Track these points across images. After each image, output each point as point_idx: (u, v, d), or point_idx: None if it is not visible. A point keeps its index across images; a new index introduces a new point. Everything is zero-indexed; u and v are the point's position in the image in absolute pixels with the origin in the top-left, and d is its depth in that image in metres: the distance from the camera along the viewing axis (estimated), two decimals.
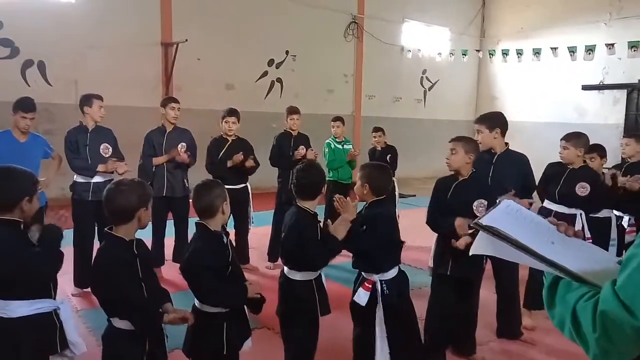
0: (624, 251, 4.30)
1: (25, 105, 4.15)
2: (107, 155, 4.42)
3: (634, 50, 9.53)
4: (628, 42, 9.62)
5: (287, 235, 2.77)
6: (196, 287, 2.33)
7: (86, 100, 4.38)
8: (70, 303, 4.08)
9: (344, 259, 4.77)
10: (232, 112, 5.04)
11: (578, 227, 3.66)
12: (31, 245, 2.12)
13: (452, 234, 3.00)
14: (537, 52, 11.06)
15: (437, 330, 3.16)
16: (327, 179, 4.81)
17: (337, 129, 6.12)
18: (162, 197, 4.74)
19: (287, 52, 10.98)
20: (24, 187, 2.17)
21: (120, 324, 2.10)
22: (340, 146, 6.10)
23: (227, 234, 2.46)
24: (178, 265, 4.94)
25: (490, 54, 12.48)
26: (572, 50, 10.25)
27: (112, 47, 8.67)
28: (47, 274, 2.17)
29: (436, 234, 3.28)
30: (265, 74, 10.77)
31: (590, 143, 4.45)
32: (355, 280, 2.95)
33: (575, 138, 3.88)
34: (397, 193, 6.06)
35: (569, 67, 11.48)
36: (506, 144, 3.66)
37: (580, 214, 3.81)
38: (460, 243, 2.94)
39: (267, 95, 10.85)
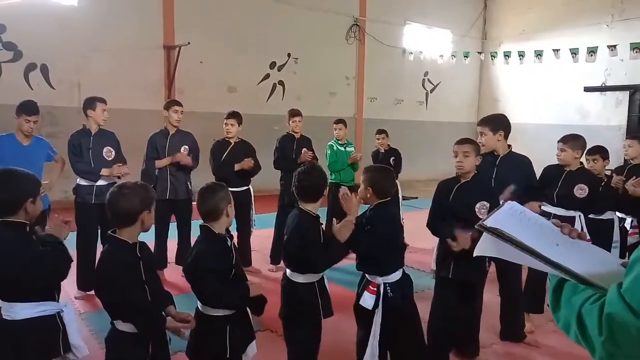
0: (626, 253, 4.30)
1: (28, 108, 4.16)
2: (109, 159, 4.43)
3: (636, 52, 9.52)
4: (630, 43, 9.61)
5: (290, 237, 2.77)
6: (200, 289, 2.33)
7: (89, 103, 4.39)
8: (73, 306, 4.08)
9: (347, 261, 4.75)
10: (230, 115, 5.06)
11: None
12: (37, 247, 2.12)
13: (453, 239, 3.00)
14: (539, 54, 11.05)
15: (440, 332, 3.15)
16: (329, 181, 4.81)
17: (339, 132, 6.12)
18: (165, 199, 4.74)
19: (289, 55, 11.01)
20: (26, 188, 2.18)
21: (123, 326, 2.10)
22: (342, 148, 6.11)
23: (231, 237, 2.46)
24: (181, 267, 4.99)
25: (492, 56, 12.47)
26: (574, 52, 10.24)
27: (114, 50, 8.71)
28: (54, 276, 2.17)
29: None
30: (267, 76, 10.79)
31: (593, 145, 4.45)
32: (359, 282, 2.95)
33: (572, 140, 3.87)
34: (400, 196, 6.06)
35: (571, 69, 11.47)
36: (509, 146, 3.66)
37: (579, 216, 3.80)
38: (457, 246, 2.93)
39: (269, 97, 10.87)
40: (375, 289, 2.74)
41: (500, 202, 2.25)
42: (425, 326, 3.12)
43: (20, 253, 2.05)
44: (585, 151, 4.34)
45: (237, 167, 4.91)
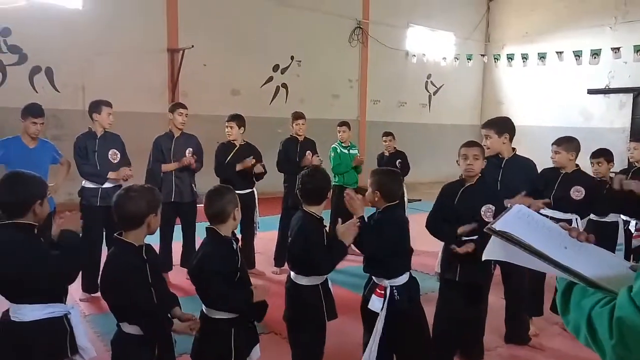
0: (631, 256, 4.29)
1: (34, 110, 4.19)
2: (115, 161, 4.45)
3: None
4: (634, 46, 9.61)
5: (294, 240, 2.78)
6: (205, 291, 2.34)
7: (95, 106, 4.41)
8: (78, 308, 4.10)
9: (351, 263, 4.77)
10: (230, 117, 5.08)
11: None
12: (47, 249, 2.14)
13: (452, 240, 3.01)
14: (542, 57, 11.05)
15: (445, 335, 3.15)
16: (332, 183, 4.82)
17: (343, 134, 6.14)
18: (170, 202, 4.76)
19: (292, 58, 11.03)
20: (35, 190, 2.20)
21: (129, 329, 2.11)
22: (346, 151, 6.12)
23: (237, 240, 2.47)
24: (185, 270, 5.00)
25: (495, 58, 12.49)
26: (577, 55, 10.24)
27: (119, 54, 8.75)
28: (61, 278, 2.19)
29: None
30: (270, 79, 10.81)
31: (597, 147, 4.44)
32: (365, 285, 2.95)
33: (566, 142, 3.86)
34: (406, 199, 6.07)
35: (574, 71, 11.46)
36: (513, 149, 3.66)
37: (576, 219, 3.79)
38: (462, 249, 2.94)
39: (272, 100, 10.89)
40: (382, 291, 2.74)
41: (508, 205, 2.25)
42: (430, 329, 3.12)
43: (29, 255, 2.07)
44: (590, 154, 4.34)
45: (238, 167, 4.91)
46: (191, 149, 4.90)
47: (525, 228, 1.21)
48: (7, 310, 2.16)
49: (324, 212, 2.85)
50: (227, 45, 9.97)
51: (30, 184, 2.21)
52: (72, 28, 8.32)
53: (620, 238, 4.22)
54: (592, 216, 4.33)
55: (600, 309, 1.04)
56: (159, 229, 2.34)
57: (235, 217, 2.42)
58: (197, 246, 4.92)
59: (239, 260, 2.42)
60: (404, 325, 2.74)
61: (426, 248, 4.84)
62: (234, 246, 2.43)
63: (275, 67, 10.86)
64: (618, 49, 9.94)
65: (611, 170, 4.33)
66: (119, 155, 4.48)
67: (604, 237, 3.80)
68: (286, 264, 3.88)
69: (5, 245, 2.07)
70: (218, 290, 2.30)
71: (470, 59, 12.52)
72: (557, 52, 10.75)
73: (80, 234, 2.34)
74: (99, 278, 2.17)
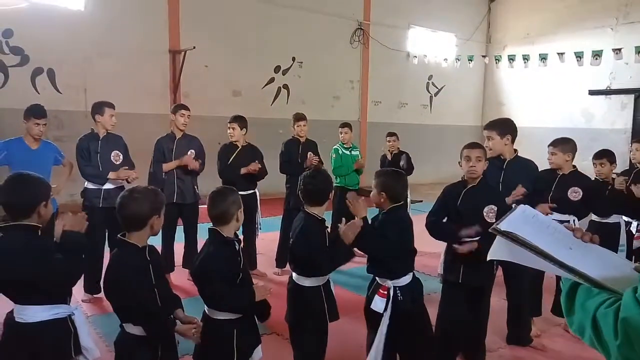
0: (632, 257, 4.29)
1: (37, 111, 4.21)
2: (117, 163, 4.46)
3: None
4: (635, 47, 9.60)
5: (296, 241, 2.78)
6: (207, 292, 2.34)
7: (98, 108, 4.42)
8: (80, 309, 4.11)
9: (352, 264, 4.76)
10: (232, 118, 5.08)
11: None
12: (51, 250, 2.15)
13: (453, 240, 3.01)
14: (543, 58, 11.06)
15: (447, 336, 3.15)
16: (334, 184, 4.82)
17: (345, 135, 6.15)
18: (172, 203, 4.76)
19: (293, 59, 11.04)
20: (40, 192, 2.22)
21: (133, 329, 2.11)
22: (347, 152, 6.13)
23: (240, 241, 2.48)
24: (187, 271, 5.01)
25: (496, 59, 12.49)
26: (578, 56, 10.24)
27: (120, 55, 8.77)
28: (66, 280, 2.20)
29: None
30: (271, 80, 10.83)
31: (598, 148, 4.44)
32: (369, 285, 2.95)
33: (562, 143, 3.87)
34: (409, 199, 6.08)
35: (575, 72, 11.46)
36: (515, 150, 3.66)
37: (574, 221, 3.79)
38: (463, 249, 2.94)
39: (273, 101, 10.90)
40: (385, 292, 2.75)
41: (513, 206, 2.25)
42: (432, 330, 3.12)
43: (34, 256, 2.07)
44: (593, 155, 4.34)
45: (243, 170, 4.93)
46: (193, 151, 4.91)
47: (530, 228, 1.22)
48: (12, 312, 2.16)
49: (325, 213, 2.86)
50: (228, 47, 9.98)
51: (35, 185, 2.22)
52: (74, 29, 8.34)
53: (622, 239, 4.22)
54: (593, 217, 4.33)
55: (605, 309, 1.04)
56: (160, 229, 2.34)
57: (239, 218, 2.43)
58: (199, 247, 4.96)
59: (241, 262, 2.43)
60: (407, 326, 2.74)
61: (429, 249, 4.84)
62: (237, 247, 2.44)
63: (277, 69, 10.87)
64: (619, 50, 9.95)
65: (613, 171, 4.33)
66: (121, 157, 4.49)
67: (605, 238, 3.74)
68: (288, 265, 3.89)
69: (11, 247, 2.08)
70: (220, 291, 2.30)
71: (471, 60, 12.53)
72: (558, 53, 10.75)
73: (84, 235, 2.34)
74: (103, 279, 2.17)
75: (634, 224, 4.48)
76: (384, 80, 12.60)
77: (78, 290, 4.41)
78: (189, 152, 4.86)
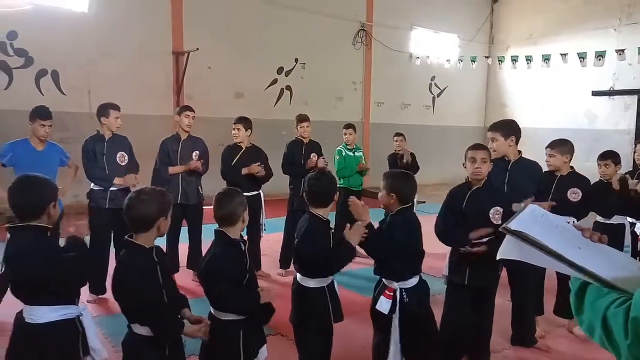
0: (637, 258, 4.29)
1: (42, 113, 4.22)
2: (123, 164, 4.47)
3: None
4: (638, 47, 9.58)
5: (300, 242, 2.79)
6: (214, 293, 2.35)
7: (103, 110, 4.44)
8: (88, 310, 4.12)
9: (357, 265, 4.78)
10: (237, 119, 5.10)
11: None
12: (61, 251, 2.16)
13: (465, 245, 3.01)
14: (546, 59, 11.05)
15: (452, 338, 3.15)
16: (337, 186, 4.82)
17: (349, 136, 6.15)
18: (177, 204, 4.77)
19: (296, 60, 11.06)
20: (48, 193, 2.24)
21: (140, 330, 2.13)
22: (351, 153, 6.14)
23: (245, 242, 2.49)
24: (191, 272, 5.03)
25: (499, 60, 12.47)
26: (582, 56, 10.22)
27: (124, 57, 8.80)
28: (75, 281, 2.21)
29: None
30: (274, 81, 10.84)
31: (601, 149, 4.44)
32: (375, 286, 2.96)
33: (560, 145, 3.87)
34: (415, 200, 6.09)
35: (578, 73, 11.44)
36: (519, 151, 3.67)
37: (572, 221, 3.79)
38: (478, 250, 2.94)
39: (276, 102, 10.92)
40: (391, 293, 2.75)
41: (522, 205, 2.24)
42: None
43: (44, 257, 2.09)
44: (597, 156, 4.34)
45: (244, 171, 4.92)
46: (198, 152, 4.93)
47: (540, 228, 1.23)
48: (21, 312, 2.18)
49: (330, 214, 2.87)
50: (231, 48, 10.01)
51: (43, 187, 2.25)
52: (78, 31, 8.37)
53: (627, 240, 4.22)
54: (598, 218, 4.34)
55: (615, 309, 1.05)
56: None
57: (244, 219, 2.45)
58: (203, 248, 4.97)
59: (247, 263, 2.44)
60: (413, 328, 2.75)
61: (433, 250, 4.85)
62: (243, 248, 2.45)
63: (280, 70, 10.89)
64: (622, 50, 9.94)
65: (618, 172, 4.33)
66: (127, 158, 4.50)
67: (610, 239, 3.77)
68: (292, 265, 3.90)
69: (22, 248, 2.10)
70: (227, 293, 2.31)
71: (474, 61, 12.52)
72: (561, 54, 10.74)
73: (88, 238, 2.36)
74: (111, 280, 2.18)
75: (639, 224, 4.48)
76: (387, 81, 12.61)
77: (83, 290, 4.38)
78: (193, 154, 4.88)
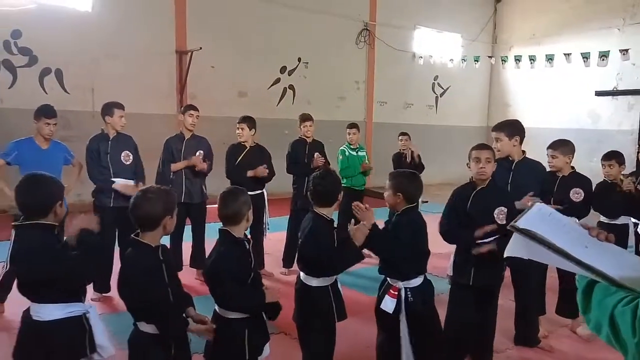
0: None
1: (47, 111, 4.24)
2: (127, 163, 4.49)
3: None
4: None
5: (304, 241, 2.80)
6: (219, 292, 2.37)
7: (107, 109, 4.45)
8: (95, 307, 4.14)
9: (360, 265, 4.76)
10: (242, 119, 5.11)
11: None
12: (68, 249, 2.18)
13: (470, 244, 3.01)
14: (550, 58, 11.02)
15: (456, 338, 3.15)
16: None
17: (353, 136, 6.15)
18: (180, 203, 4.78)
19: (299, 59, 11.07)
20: (55, 191, 2.26)
21: (146, 328, 2.14)
22: (354, 153, 6.14)
23: (249, 241, 2.50)
24: (195, 270, 5.04)
25: (502, 60, 12.45)
26: (585, 56, 10.20)
27: (128, 56, 8.81)
28: (86, 277, 2.23)
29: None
30: (277, 81, 10.85)
31: (604, 149, 4.43)
32: (380, 285, 2.96)
33: (562, 146, 3.88)
34: (420, 200, 6.09)
35: (582, 73, 11.42)
36: (523, 151, 3.67)
37: (575, 222, 3.78)
38: (484, 249, 2.94)
39: (279, 102, 10.93)
40: (396, 293, 2.76)
41: (527, 203, 2.26)
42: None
43: (51, 255, 2.11)
44: (601, 156, 4.34)
45: (250, 173, 4.93)
46: (202, 151, 4.94)
47: (547, 226, 1.24)
48: (28, 310, 2.19)
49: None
50: (234, 47, 10.02)
51: (51, 185, 2.26)
52: (82, 30, 8.39)
53: (631, 240, 4.22)
54: (602, 218, 4.34)
55: (623, 307, 1.05)
56: None
57: (249, 218, 2.46)
58: (207, 246, 4.99)
59: (252, 261, 2.45)
60: (417, 328, 2.75)
61: (438, 250, 4.86)
62: (247, 247, 2.46)
63: (283, 69, 10.90)
64: (626, 50, 9.91)
65: (622, 172, 4.32)
66: (131, 157, 4.52)
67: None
68: (295, 265, 3.90)
69: (29, 246, 2.12)
70: (232, 292, 2.33)
71: (477, 61, 12.50)
72: (565, 54, 10.72)
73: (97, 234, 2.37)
74: (117, 279, 2.19)
75: None
76: (390, 80, 12.60)
77: (88, 289, 4.44)
78: (197, 153, 4.90)
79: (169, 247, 4.73)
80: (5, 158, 4.19)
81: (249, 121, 5.07)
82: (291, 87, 11.04)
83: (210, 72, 9.75)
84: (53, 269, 2.08)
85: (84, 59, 8.47)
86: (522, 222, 1.25)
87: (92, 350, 2.21)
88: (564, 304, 4.01)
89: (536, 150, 4.31)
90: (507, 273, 3.57)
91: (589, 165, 6.85)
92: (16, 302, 3.75)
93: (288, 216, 5.57)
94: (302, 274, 2.85)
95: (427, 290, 2.85)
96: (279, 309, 2.48)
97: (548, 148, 3.92)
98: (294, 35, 10.82)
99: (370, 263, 5.24)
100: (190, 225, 5.11)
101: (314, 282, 2.78)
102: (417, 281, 2.80)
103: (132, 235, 2.20)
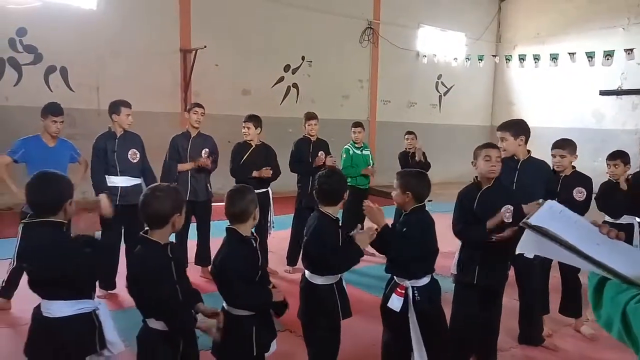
0: None
1: (54, 109, 4.26)
2: (134, 161, 4.51)
3: None
4: None
5: (309, 239, 2.81)
6: (227, 290, 2.38)
7: (114, 107, 4.47)
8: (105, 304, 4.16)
9: (364, 264, 4.80)
10: (246, 118, 5.11)
11: None
12: (78, 246, 2.20)
13: (486, 238, 3.03)
14: (554, 58, 11.01)
15: (461, 337, 3.16)
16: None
17: (358, 135, 6.15)
18: (186, 201, 4.80)
19: (303, 58, 11.08)
20: (66, 190, 2.28)
21: (155, 324, 2.16)
22: (359, 151, 6.14)
23: (257, 239, 2.51)
24: (200, 268, 5.06)
25: (506, 59, 12.43)
26: (590, 56, 10.18)
27: (132, 54, 8.84)
28: (96, 274, 2.25)
29: (459, 241, 3.29)
30: (281, 79, 10.87)
31: (608, 149, 4.43)
32: (386, 284, 2.97)
33: (570, 145, 3.89)
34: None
35: (586, 73, 11.39)
36: (528, 151, 3.67)
37: (585, 220, 3.78)
38: (504, 235, 2.95)
39: (283, 100, 10.94)
40: (403, 291, 2.77)
41: (540, 201, 2.27)
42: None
43: (61, 252, 2.13)
44: (606, 156, 4.34)
45: (255, 174, 4.92)
46: (207, 150, 4.96)
47: (559, 224, 1.25)
48: (39, 306, 2.22)
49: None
50: (238, 46, 10.04)
51: (62, 183, 2.29)
52: (87, 28, 8.42)
53: (636, 240, 4.22)
54: (607, 218, 4.33)
55: (635, 304, 1.07)
56: None
57: (256, 217, 2.47)
58: (211, 244, 5.00)
59: (259, 259, 2.47)
60: (423, 327, 2.76)
61: (442, 249, 4.87)
62: (255, 245, 2.47)
63: (286, 68, 10.91)
64: (631, 50, 9.89)
65: (627, 172, 4.32)
66: (138, 155, 4.54)
67: None
68: (300, 263, 3.91)
69: (40, 243, 2.14)
70: (240, 290, 2.34)
71: (481, 60, 12.48)
72: (569, 53, 10.70)
73: (99, 234, 2.39)
74: (126, 276, 2.21)
75: None
76: (393, 79, 12.60)
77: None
78: (203, 152, 4.91)
79: None
80: (13, 156, 4.21)
81: (255, 120, 5.08)
82: (295, 85, 11.06)
83: (214, 70, 9.77)
84: (64, 266, 2.10)
85: (89, 57, 8.50)
86: (534, 219, 1.26)
87: (102, 346, 2.23)
88: (567, 303, 4.03)
89: (540, 149, 4.30)
90: (511, 272, 3.58)
91: (592, 165, 6.85)
92: (23, 299, 3.80)
93: (292, 214, 5.58)
94: (307, 272, 2.86)
95: (433, 289, 2.86)
96: (286, 306, 2.50)
97: (556, 148, 3.92)
98: (298, 34, 10.83)
99: (374, 261, 5.27)
100: (196, 223, 5.12)
101: (319, 280, 2.79)
102: (424, 280, 2.81)
103: (141, 233, 2.22)
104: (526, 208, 3.07)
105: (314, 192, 2.89)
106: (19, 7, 7.77)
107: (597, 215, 4.14)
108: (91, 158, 4.50)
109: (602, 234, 1.25)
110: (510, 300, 3.86)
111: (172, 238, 4.74)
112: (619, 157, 4.27)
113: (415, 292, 2.76)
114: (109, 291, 4.49)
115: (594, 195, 3.97)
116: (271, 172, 4.98)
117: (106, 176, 4.48)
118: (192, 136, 4.97)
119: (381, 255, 3.25)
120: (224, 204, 2.47)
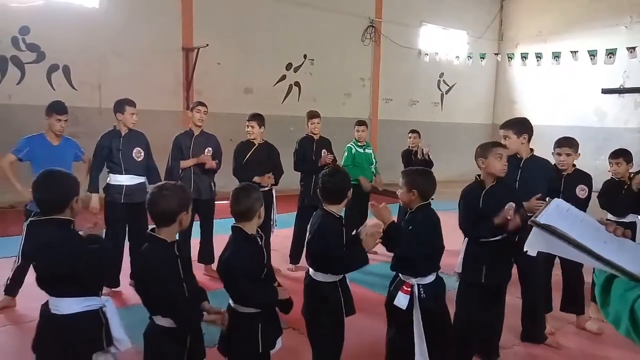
0: None
1: (58, 108, 4.28)
2: (139, 159, 4.52)
3: None
4: None
5: (313, 237, 2.81)
6: (233, 288, 2.40)
7: (119, 106, 4.48)
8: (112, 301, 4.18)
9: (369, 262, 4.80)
10: (250, 117, 5.11)
11: None
12: (85, 243, 2.22)
13: (495, 232, 3.05)
14: (556, 56, 10.99)
15: (465, 336, 3.18)
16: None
17: (361, 133, 6.15)
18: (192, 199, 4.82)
19: (305, 56, 11.08)
20: (72, 187, 2.30)
21: (162, 321, 2.18)
22: (361, 150, 6.15)
23: (262, 237, 2.52)
24: (203, 266, 5.08)
25: (509, 57, 12.41)
26: (592, 54, 10.17)
27: (134, 52, 8.86)
28: (98, 272, 2.26)
29: (465, 239, 3.30)
30: (283, 77, 10.88)
31: (611, 147, 4.43)
32: (391, 282, 2.99)
33: (574, 144, 3.90)
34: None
35: (589, 71, 11.38)
36: (531, 149, 3.68)
37: (591, 218, 3.79)
38: (516, 221, 2.97)
39: (285, 99, 10.95)
40: (409, 289, 2.78)
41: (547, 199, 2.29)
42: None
43: (69, 250, 2.15)
44: (609, 154, 4.35)
45: (256, 179, 4.84)
46: (210, 148, 4.97)
47: (566, 222, 1.27)
48: (46, 303, 2.24)
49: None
50: (240, 44, 10.04)
51: (69, 181, 2.31)
52: (89, 27, 8.43)
53: (639, 238, 4.21)
54: (609, 216, 4.34)
55: None
56: None
57: (261, 215, 2.48)
58: (215, 243, 5.00)
59: (265, 257, 2.48)
60: (428, 324, 2.78)
61: (446, 247, 4.89)
62: (260, 243, 2.49)
63: (288, 66, 10.91)
64: (633, 48, 9.86)
65: (630, 170, 4.32)
66: (142, 154, 4.55)
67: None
68: (302, 261, 3.93)
69: (48, 241, 2.15)
70: (245, 288, 2.36)
71: (483, 58, 12.47)
72: (571, 52, 10.69)
73: (103, 233, 2.41)
74: (133, 273, 2.23)
75: None
76: (395, 77, 12.60)
77: None
78: (206, 151, 4.92)
79: None
80: (17, 154, 4.22)
81: (258, 119, 5.08)
82: (297, 84, 11.07)
83: (216, 69, 9.78)
84: (73, 263, 2.12)
85: (92, 56, 8.51)
86: (542, 218, 1.28)
87: (109, 343, 2.25)
88: (569, 301, 4.04)
89: (542, 148, 4.31)
90: (514, 270, 3.59)
91: (594, 163, 6.85)
92: (28, 296, 3.82)
93: (295, 213, 5.59)
94: (310, 269, 2.87)
95: (438, 287, 2.87)
96: (292, 304, 2.52)
97: (560, 146, 3.92)
98: (300, 32, 10.84)
99: (377, 260, 5.27)
100: (199, 222, 5.14)
101: (322, 277, 2.79)
102: (430, 278, 2.83)
103: (148, 231, 2.24)
104: (526, 204, 3.08)
105: (317, 190, 2.90)
106: (22, 6, 7.79)
107: (599, 212, 4.15)
108: (92, 157, 4.52)
109: (608, 232, 1.27)
110: (513, 298, 3.88)
111: (176, 236, 4.80)
112: (621, 155, 4.27)
113: (421, 289, 2.77)
114: (113, 289, 4.51)
115: (594, 193, 3.99)
116: (273, 179, 4.97)
117: (111, 174, 4.51)
118: (195, 135, 4.98)
119: (384, 254, 3.27)
120: (227, 202, 2.48)
